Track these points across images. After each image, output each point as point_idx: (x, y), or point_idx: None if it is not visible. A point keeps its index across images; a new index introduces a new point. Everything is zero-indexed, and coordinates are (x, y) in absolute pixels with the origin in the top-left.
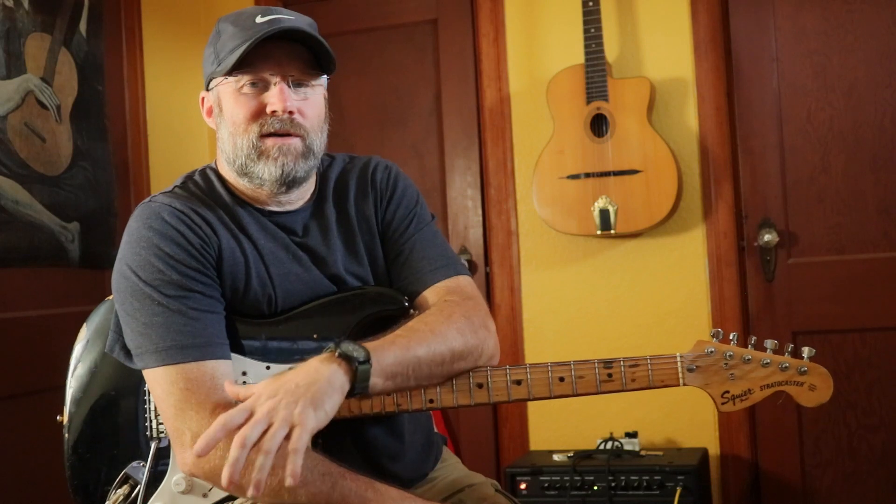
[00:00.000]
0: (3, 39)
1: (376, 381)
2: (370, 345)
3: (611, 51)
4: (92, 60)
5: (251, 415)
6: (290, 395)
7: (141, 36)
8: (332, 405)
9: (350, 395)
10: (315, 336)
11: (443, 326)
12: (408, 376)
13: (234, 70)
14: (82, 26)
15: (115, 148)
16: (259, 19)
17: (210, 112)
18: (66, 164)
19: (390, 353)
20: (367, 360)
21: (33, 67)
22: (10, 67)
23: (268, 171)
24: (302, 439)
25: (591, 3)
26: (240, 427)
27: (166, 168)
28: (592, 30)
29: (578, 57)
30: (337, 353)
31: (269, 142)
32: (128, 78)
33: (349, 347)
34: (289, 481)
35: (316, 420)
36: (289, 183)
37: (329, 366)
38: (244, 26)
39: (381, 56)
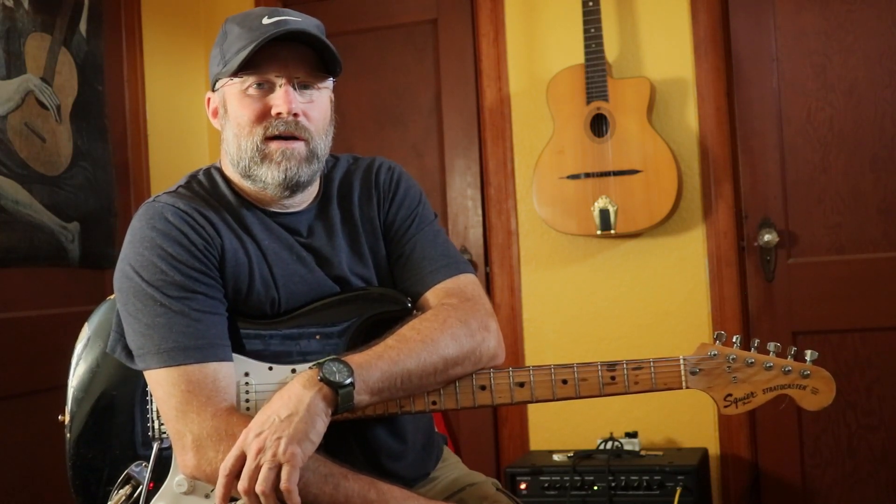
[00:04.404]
0: (3, 39)
1: (362, 398)
2: (357, 359)
3: (611, 51)
4: (92, 60)
5: (243, 454)
6: (274, 431)
7: (141, 36)
8: (316, 433)
9: (335, 413)
10: (318, 337)
11: (436, 333)
12: (397, 388)
13: (240, 71)
14: (82, 26)
15: (115, 148)
16: (266, 20)
17: (215, 113)
18: (66, 164)
19: (377, 369)
20: (351, 383)
21: (33, 67)
22: (10, 67)
23: (271, 175)
24: (292, 478)
25: (591, 3)
26: (236, 471)
27: (166, 168)
28: (592, 30)
29: (578, 57)
30: (319, 377)
31: (273, 145)
32: (128, 78)
33: (332, 369)
34: None
35: (303, 453)
36: (292, 187)
37: (310, 392)
38: (251, 27)
39: (381, 56)
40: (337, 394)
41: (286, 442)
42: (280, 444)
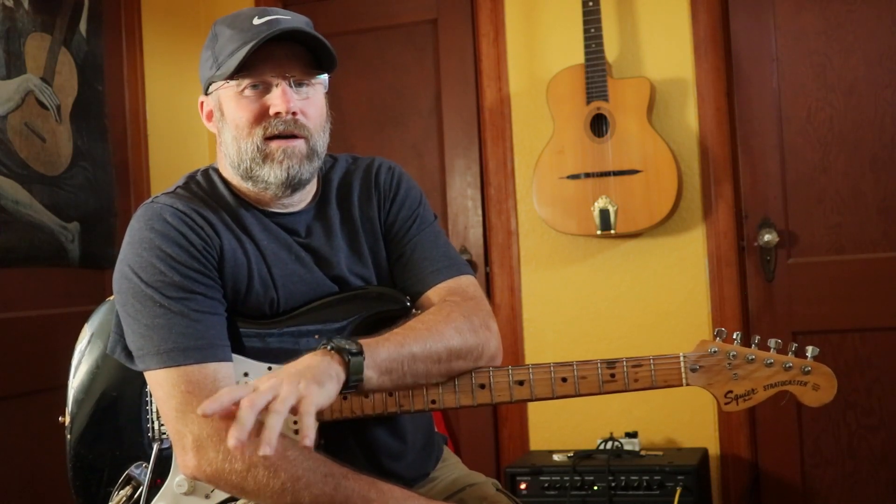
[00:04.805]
0: (3, 39)
1: (371, 374)
2: (364, 341)
3: (611, 51)
4: (92, 60)
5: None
6: (292, 376)
7: (141, 36)
8: (331, 387)
9: (346, 388)
10: (317, 336)
11: (440, 325)
12: (403, 372)
13: (235, 73)
14: (82, 26)
15: (115, 148)
16: (256, 21)
17: (210, 116)
18: (66, 164)
19: (384, 348)
20: (360, 353)
21: (33, 67)
22: (10, 67)
23: (273, 174)
24: (311, 406)
25: (591, 3)
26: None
27: (166, 168)
28: (592, 30)
29: (578, 57)
30: (329, 347)
31: (274, 144)
32: (128, 78)
33: (341, 342)
34: (305, 442)
35: (319, 396)
36: (294, 185)
37: (323, 357)
38: (242, 28)
39: (381, 56)
40: (348, 362)
41: (306, 382)
42: (301, 382)
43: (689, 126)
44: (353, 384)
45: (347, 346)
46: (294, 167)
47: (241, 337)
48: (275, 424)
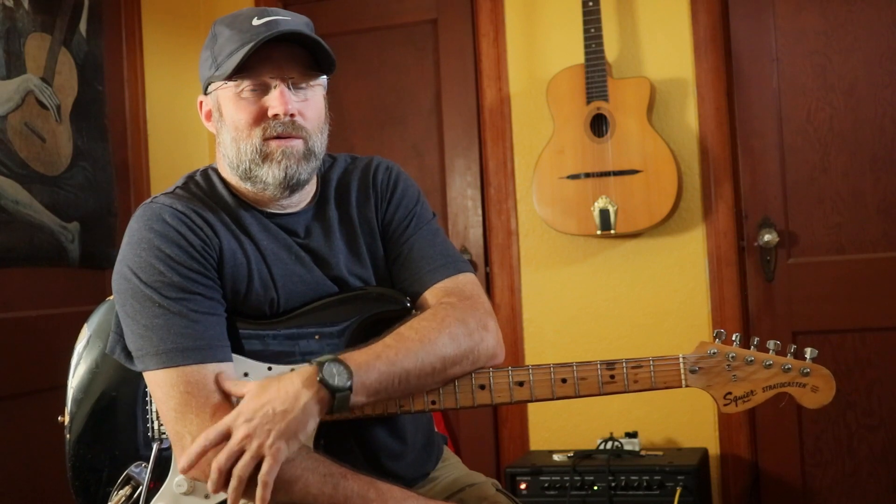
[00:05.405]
0: (3, 39)
1: (359, 399)
2: (356, 359)
3: (611, 51)
4: (92, 60)
5: (228, 431)
6: (266, 422)
7: (141, 36)
8: (306, 434)
9: (330, 413)
10: (317, 337)
11: (434, 333)
12: (395, 388)
13: (234, 74)
14: (82, 26)
15: (115, 148)
16: (256, 21)
17: (209, 116)
18: (66, 164)
19: (375, 370)
20: (349, 387)
21: (33, 67)
22: (10, 67)
23: (271, 174)
24: (272, 472)
25: (591, 3)
26: (216, 443)
27: (166, 168)
28: (592, 30)
29: (578, 57)
30: (318, 378)
31: (273, 144)
32: (128, 78)
33: (332, 371)
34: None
35: (288, 450)
36: (292, 186)
37: (308, 392)
38: (241, 29)
39: (381, 56)
40: (334, 397)
41: (276, 436)
42: (270, 435)
43: (689, 126)
44: (337, 411)
45: (337, 382)
46: (292, 167)
47: (241, 337)
48: (238, 488)
